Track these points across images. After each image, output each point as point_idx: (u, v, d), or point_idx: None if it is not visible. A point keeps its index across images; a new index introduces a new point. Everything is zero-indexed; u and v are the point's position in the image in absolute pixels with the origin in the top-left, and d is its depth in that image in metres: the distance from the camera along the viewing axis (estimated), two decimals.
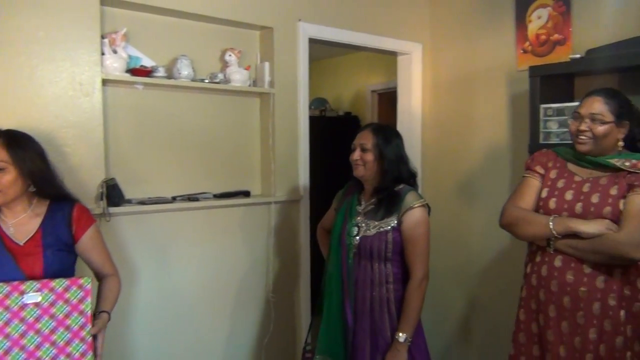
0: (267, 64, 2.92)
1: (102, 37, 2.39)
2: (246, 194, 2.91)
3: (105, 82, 2.39)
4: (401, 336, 2.08)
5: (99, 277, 1.95)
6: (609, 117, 1.92)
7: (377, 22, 3.38)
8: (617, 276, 1.87)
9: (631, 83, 2.61)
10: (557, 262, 1.94)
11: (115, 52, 2.41)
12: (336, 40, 3.23)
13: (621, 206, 1.86)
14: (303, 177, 3.10)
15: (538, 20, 3.05)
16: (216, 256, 2.84)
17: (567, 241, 1.90)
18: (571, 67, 2.61)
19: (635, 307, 1.86)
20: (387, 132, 2.21)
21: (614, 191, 1.89)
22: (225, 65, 2.83)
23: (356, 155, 2.18)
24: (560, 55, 2.89)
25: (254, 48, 2.99)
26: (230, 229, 2.88)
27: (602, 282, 1.88)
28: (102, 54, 2.37)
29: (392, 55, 3.70)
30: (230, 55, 2.80)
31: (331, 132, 4.75)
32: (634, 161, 1.90)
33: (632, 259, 1.80)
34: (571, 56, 2.64)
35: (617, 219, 1.85)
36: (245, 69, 2.86)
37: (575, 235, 1.88)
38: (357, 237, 2.15)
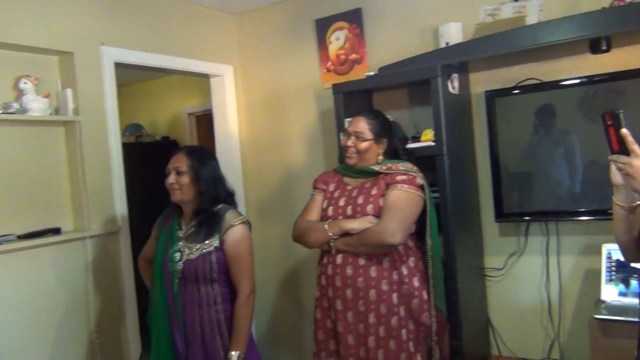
0: (69, 91, 2.73)
1: None
2: (56, 231, 2.68)
3: None
4: (234, 354, 2.08)
5: None
6: (370, 135, 2.25)
7: (186, 45, 3.37)
8: (386, 264, 2.16)
9: (418, 95, 2.96)
10: (339, 259, 2.18)
11: None
12: (144, 64, 3.15)
13: (381, 203, 2.15)
14: (120, 207, 2.95)
15: (337, 41, 3.30)
16: (28, 301, 2.56)
17: (342, 240, 2.16)
18: (367, 83, 2.88)
19: (403, 290, 2.16)
20: (201, 153, 2.22)
21: (374, 191, 2.20)
22: (20, 93, 2.59)
23: (171, 179, 2.15)
24: (359, 73, 3.16)
25: (53, 74, 2.79)
26: (41, 271, 2.62)
27: (374, 271, 2.15)
28: None
29: (206, 77, 3.72)
30: (25, 82, 2.57)
31: (149, 158, 4.56)
32: (389, 165, 2.23)
33: (391, 244, 2.09)
34: (366, 74, 2.91)
35: (379, 214, 2.15)
36: (45, 97, 2.65)
37: (348, 233, 2.14)
38: (181, 262, 2.12)
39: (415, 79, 2.70)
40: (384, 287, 2.14)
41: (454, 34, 2.75)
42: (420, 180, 2.19)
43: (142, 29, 3.13)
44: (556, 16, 2.49)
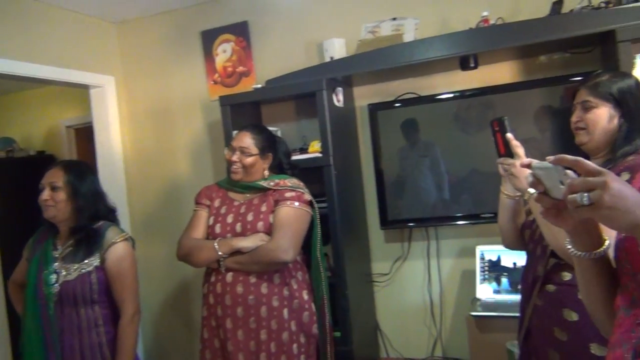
0: None
1: None
2: None
3: None
4: None
5: None
6: (255, 150, 2.25)
7: (62, 54, 3.18)
8: (277, 280, 2.18)
9: (305, 108, 3.02)
10: (229, 278, 2.15)
11: None
12: (15, 74, 2.93)
13: (271, 219, 2.16)
14: None
15: (224, 54, 3.29)
16: None
17: (233, 258, 2.13)
18: (254, 95, 2.89)
19: (294, 304, 2.19)
20: (79, 168, 2.10)
21: (264, 208, 2.19)
22: None
23: (45, 195, 2.01)
24: (247, 86, 3.17)
25: None
26: None
27: (265, 287, 2.15)
28: None
29: (85, 88, 3.53)
30: None
31: (22, 175, 4.24)
32: (277, 180, 2.25)
33: (285, 261, 2.11)
34: (254, 86, 2.93)
35: (269, 231, 2.15)
36: None
37: (239, 251, 2.12)
38: (57, 285, 1.98)
39: (302, 92, 2.76)
40: (275, 303, 2.14)
41: (337, 49, 2.85)
42: (308, 196, 2.23)
43: (11, 36, 2.91)
44: (430, 34, 2.67)
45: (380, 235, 3.04)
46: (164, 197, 3.51)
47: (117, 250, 2.03)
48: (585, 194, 0.78)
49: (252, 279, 2.14)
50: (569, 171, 0.85)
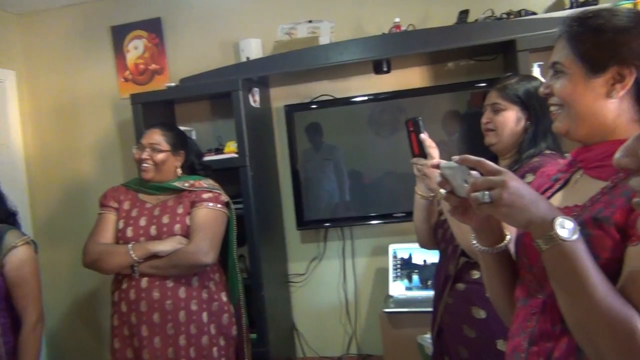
0: None
1: None
2: None
3: None
4: None
5: None
6: (166, 146, 2.18)
7: None
8: (195, 283, 2.12)
9: (221, 108, 2.99)
10: (144, 283, 2.07)
11: None
12: None
13: (188, 222, 2.11)
14: None
15: (135, 50, 3.17)
16: None
17: (149, 263, 2.05)
18: (168, 94, 2.82)
19: (214, 307, 2.15)
20: None
21: (180, 210, 2.13)
22: None
23: None
24: (160, 84, 3.08)
25: None
26: None
27: (183, 292, 2.09)
28: None
29: None
30: None
31: None
32: (191, 181, 2.20)
33: (205, 264, 2.08)
34: (167, 84, 2.85)
35: (187, 233, 2.10)
36: None
37: (155, 255, 2.04)
38: None
39: (217, 91, 2.73)
40: (194, 307, 2.09)
41: (254, 49, 2.84)
42: (224, 197, 2.20)
43: None
44: (345, 38, 2.72)
45: (296, 236, 3.05)
46: (70, 200, 3.33)
47: (17, 254, 1.90)
48: (487, 192, 0.83)
49: (170, 284, 2.07)
50: (473, 171, 0.90)
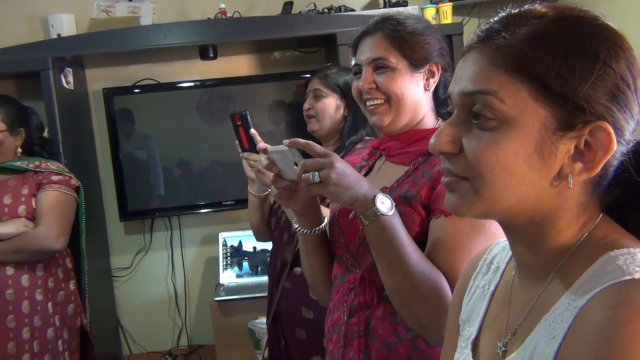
0: None
1: None
2: None
3: None
4: None
5: None
6: (2, 126, 1.95)
7: None
8: (40, 271, 1.95)
9: (28, 88, 2.68)
10: None
11: None
12: None
13: (34, 204, 1.93)
14: None
15: None
16: None
17: None
18: None
19: (59, 297, 1.99)
20: None
21: (25, 191, 1.95)
22: None
23: None
24: None
25: None
26: None
27: (27, 280, 1.91)
28: None
29: None
30: None
31: None
32: (37, 162, 2.01)
33: (55, 249, 1.92)
34: None
35: (32, 216, 1.93)
36: None
37: None
38: None
39: (23, 70, 2.46)
40: (39, 296, 1.90)
41: (66, 25, 2.60)
42: (75, 181, 2.03)
43: None
44: (169, 21, 2.62)
45: (119, 227, 2.89)
46: None
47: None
48: (317, 173, 0.89)
49: (10, 271, 1.87)
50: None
